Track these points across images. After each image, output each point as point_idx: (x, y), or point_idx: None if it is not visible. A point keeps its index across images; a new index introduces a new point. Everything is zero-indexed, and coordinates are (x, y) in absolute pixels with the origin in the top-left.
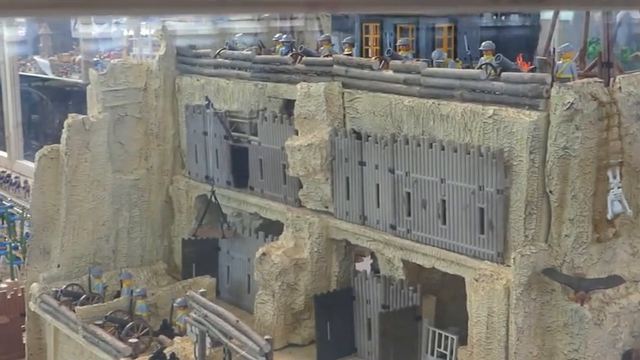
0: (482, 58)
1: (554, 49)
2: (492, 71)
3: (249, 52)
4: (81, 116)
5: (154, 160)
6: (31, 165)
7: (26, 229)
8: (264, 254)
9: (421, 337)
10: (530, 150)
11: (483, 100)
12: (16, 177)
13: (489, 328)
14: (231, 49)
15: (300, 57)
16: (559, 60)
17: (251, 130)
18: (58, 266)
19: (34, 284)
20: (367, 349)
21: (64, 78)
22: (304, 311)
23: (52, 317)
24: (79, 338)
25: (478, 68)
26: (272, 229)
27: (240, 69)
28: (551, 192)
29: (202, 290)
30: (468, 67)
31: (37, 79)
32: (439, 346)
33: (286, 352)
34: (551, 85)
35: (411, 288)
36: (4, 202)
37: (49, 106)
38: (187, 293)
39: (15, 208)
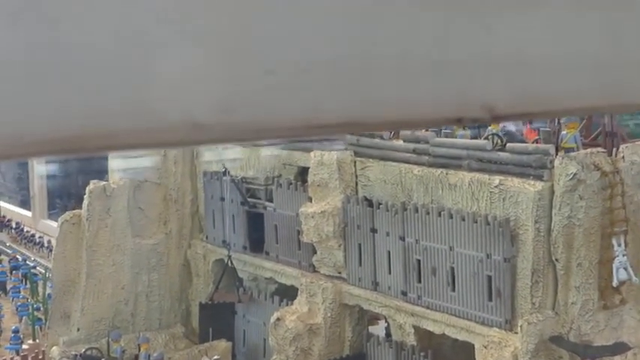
0: (489, 128)
1: (558, 119)
2: (498, 141)
3: None
4: (102, 182)
5: (173, 224)
6: (55, 225)
7: (48, 290)
8: (278, 319)
9: None
10: (536, 219)
11: (490, 170)
12: (40, 236)
13: None
14: None
15: None
16: (564, 130)
17: (266, 196)
18: (78, 329)
19: (55, 347)
20: None
21: None
22: None
23: None
24: None
25: (485, 139)
26: (287, 293)
27: None
28: (556, 260)
29: (216, 357)
30: (475, 137)
31: None
32: None
33: None
34: (555, 156)
35: (422, 353)
36: (27, 262)
37: (72, 165)
38: (202, 359)
39: (38, 268)
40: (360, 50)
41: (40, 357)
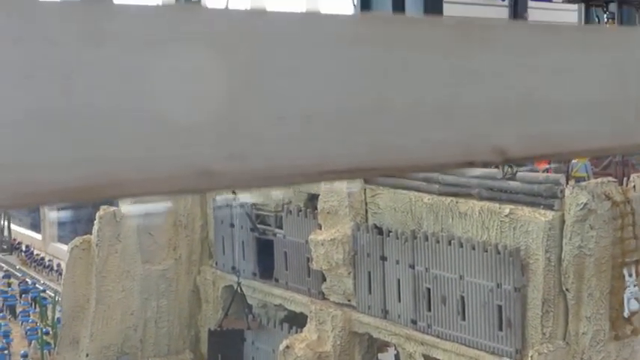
0: None
1: None
2: (509, 170)
3: None
4: (112, 208)
5: (183, 250)
6: (65, 248)
7: (58, 314)
8: (287, 347)
9: None
10: (546, 248)
11: (500, 199)
12: (49, 260)
13: None
14: None
15: None
16: (574, 159)
17: (276, 223)
18: (87, 355)
19: None
20: None
21: None
22: None
23: None
24: None
25: (495, 167)
26: (296, 320)
27: None
28: (567, 290)
29: None
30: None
31: None
32: None
33: None
34: (566, 185)
35: None
36: (37, 285)
37: None
38: None
39: (48, 292)
40: (370, 97)
41: None
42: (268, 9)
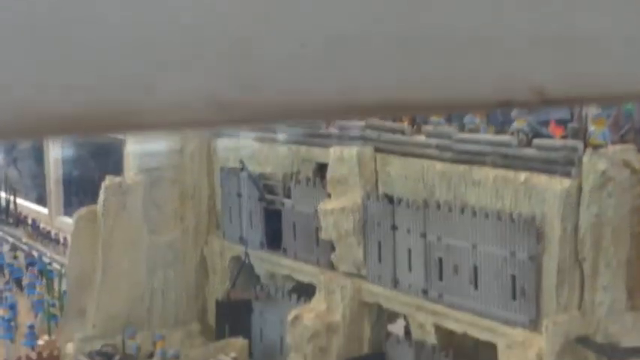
0: (514, 124)
1: (586, 115)
2: (524, 137)
3: None
4: (117, 178)
5: (189, 221)
6: (71, 221)
7: (64, 286)
8: (296, 317)
9: None
10: (562, 217)
11: (515, 167)
12: (55, 233)
13: None
14: None
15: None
16: (592, 126)
17: (284, 192)
18: (93, 326)
19: (69, 344)
20: None
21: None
22: None
23: None
24: None
25: (510, 134)
26: (305, 291)
27: (273, 132)
28: (583, 259)
29: (234, 355)
30: (500, 133)
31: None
32: None
33: None
34: (584, 153)
35: (443, 353)
36: (43, 258)
37: (89, 162)
38: (218, 357)
39: (54, 265)
40: (401, 24)
41: (55, 353)
42: None
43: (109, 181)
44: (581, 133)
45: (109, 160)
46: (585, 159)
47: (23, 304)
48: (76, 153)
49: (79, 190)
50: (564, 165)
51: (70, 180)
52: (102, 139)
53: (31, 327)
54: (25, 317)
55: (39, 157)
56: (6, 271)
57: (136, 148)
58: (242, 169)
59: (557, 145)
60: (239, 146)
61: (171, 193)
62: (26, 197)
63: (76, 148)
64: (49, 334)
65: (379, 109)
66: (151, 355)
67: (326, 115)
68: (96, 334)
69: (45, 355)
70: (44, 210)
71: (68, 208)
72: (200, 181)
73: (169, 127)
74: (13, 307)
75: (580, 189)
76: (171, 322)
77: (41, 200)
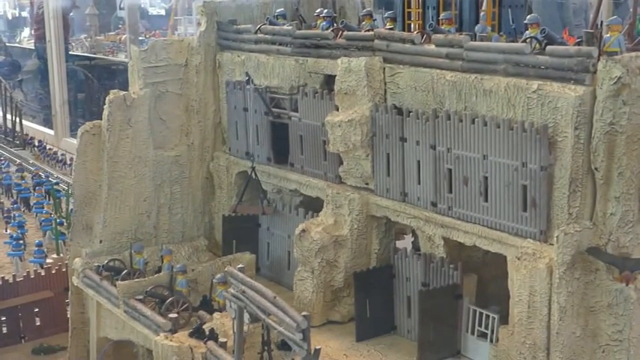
0: (527, 31)
1: (602, 22)
2: (537, 45)
3: (290, 28)
4: (122, 92)
5: (195, 136)
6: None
7: (71, 206)
8: (303, 231)
9: (461, 316)
10: (576, 126)
11: (527, 75)
12: (62, 154)
13: (531, 307)
14: (271, 24)
15: (341, 32)
16: (607, 33)
17: (291, 106)
18: (101, 242)
19: (77, 259)
20: (407, 327)
21: (110, 57)
22: (344, 288)
23: (95, 292)
24: (120, 313)
25: (522, 42)
26: (312, 205)
27: (280, 44)
28: (596, 169)
29: (241, 266)
30: (512, 41)
31: (84, 57)
32: (480, 325)
33: (325, 330)
34: (598, 59)
35: (451, 266)
36: (50, 179)
37: (95, 84)
38: (226, 269)
39: (61, 185)
40: None
41: (64, 269)
42: None
43: (113, 95)
44: (595, 40)
45: (115, 82)
46: (600, 65)
47: (31, 223)
48: (83, 74)
49: (85, 112)
50: (578, 72)
51: (75, 102)
52: (108, 61)
53: (39, 245)
54: (34, 236)
55: (44, 79)
56: (14, 192)
57: (141, 63)
58: (248, 83)
59: (571, 52)
60: (244, 59)
61: (177, 107)
62: (33, 120)
63: (81, 70)
64: (57, 252)
65: None
66: (159, 269)
67: None
68: (103, 249)
69: (54, 271)
70: (50, 132)
71: (74, 130)
72: (206, 95)
73: None
74: (21, 226)
75: (594, 97)
76: (178, 237)
77: (47, 122)
